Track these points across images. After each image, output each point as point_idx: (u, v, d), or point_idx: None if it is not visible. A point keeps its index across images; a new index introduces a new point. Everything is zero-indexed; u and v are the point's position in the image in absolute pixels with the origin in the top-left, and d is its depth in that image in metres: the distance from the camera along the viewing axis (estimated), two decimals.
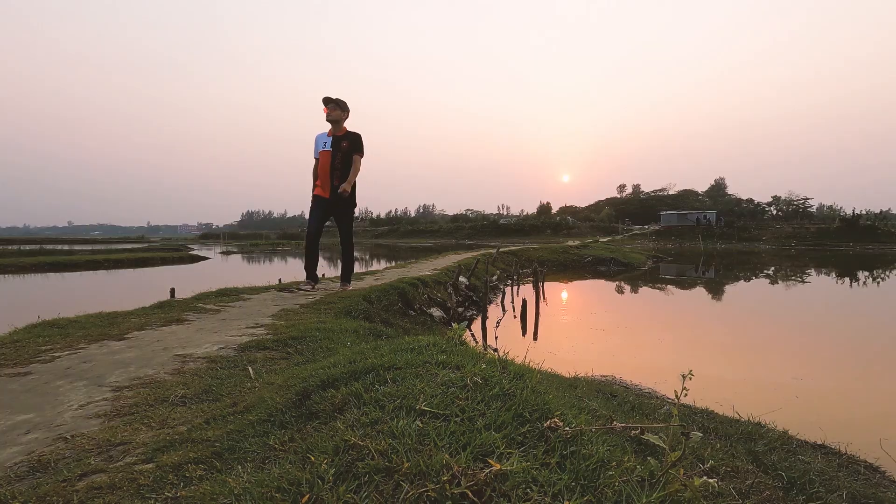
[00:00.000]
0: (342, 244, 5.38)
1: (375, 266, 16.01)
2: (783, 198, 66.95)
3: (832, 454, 2.49)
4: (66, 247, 28.57)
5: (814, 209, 66.77)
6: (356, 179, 5.19)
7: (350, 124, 5.29)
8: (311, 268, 5.34)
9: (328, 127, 5.21)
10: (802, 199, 65.42)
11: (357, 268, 12.83)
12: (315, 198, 5.13)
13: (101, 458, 1.28)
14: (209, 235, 79.36)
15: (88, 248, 29.29)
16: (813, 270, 17.30)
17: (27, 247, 25.20)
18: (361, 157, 5.14)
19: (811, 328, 7.40)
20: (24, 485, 1.14)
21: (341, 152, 5.07)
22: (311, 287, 5.21)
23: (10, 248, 23.77)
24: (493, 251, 16.51)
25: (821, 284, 13.40)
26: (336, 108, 5.11)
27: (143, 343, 2.64)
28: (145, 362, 2.25)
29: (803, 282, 13.98)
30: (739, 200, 71.97)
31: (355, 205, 5.30)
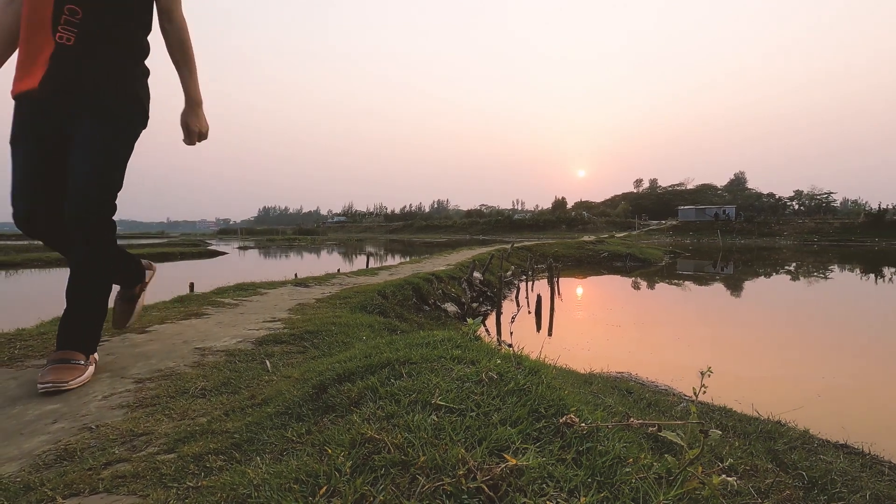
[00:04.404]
0: (74, 225, 1.80)
1: (390, 261, 16.07)
2: (805, 192, 65.38)
3: (855, 454, 2.43)
4: None
5: (837, 204, 65.10)
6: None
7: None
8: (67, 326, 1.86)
9: None
10: (826, 193, 63.82)
11: (372, 263, 12.86)
12: (19, 103, 1.83)
13: (125, 447, 1.31)
14: (227, 231, 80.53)
15: None
16: (836, 267, 16.89)
17: None
18: None
19: (834, 326, 7.24)
20: (52, 472, 1.17)
21: None
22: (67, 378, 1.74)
23: (36, 242, 24.54)
24: (508, 247, 16.46)
25: (844, 281, 13.08)
26: None
27: (163, 336, 2.69)
28: (166, 355, 2.30)
29: (825, 278, 13.65)
30: (760, 195, 70.49)
31: (142, 111, 2.01)
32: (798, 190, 66.48)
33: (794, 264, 17.94)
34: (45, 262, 16.05)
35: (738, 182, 79.55)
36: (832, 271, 15.41)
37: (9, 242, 24.89)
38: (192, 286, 5.92)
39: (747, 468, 1.74)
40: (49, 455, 1.27)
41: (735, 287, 11.85)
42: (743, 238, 37.76)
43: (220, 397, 1.71)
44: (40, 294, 10.50)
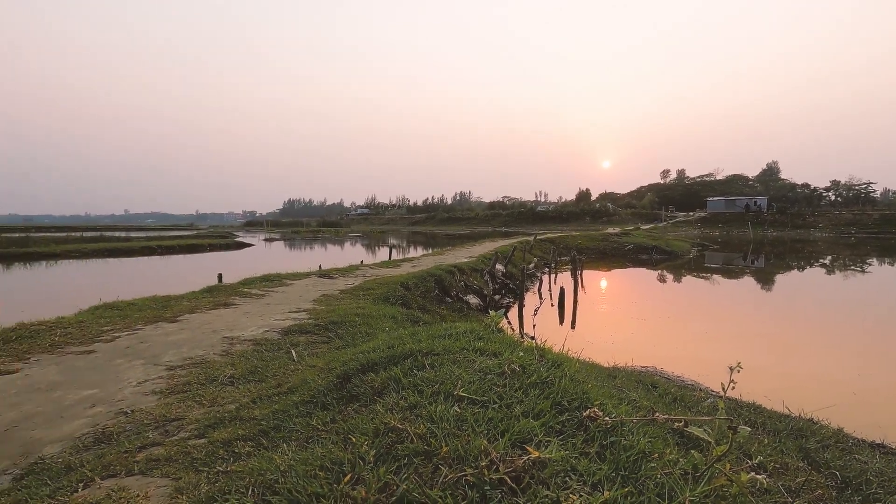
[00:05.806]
0: None
1: (412, 253, 16.15)
2: (843, 182, 62.62)
3: (892, 454, 2.35)
4: (122, 234, 30.28)
5: (877, 194, 62.22)
6: None
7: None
8: None
9: None
10: (865, 183, 60.97)
11: (394, 254, 12.92)
12: None
13: (158, 432, 1.36)
14: (253, 223, 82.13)
15: (143, 234, 31.01)
16: (874, 260, 16.19)
17: (89, 233, 27.06)
18: None
19: (871, 322, 6.96)
20: (91, 454, 1.22)
21: None
22: None
23: (73, 234, 25.60)
24: (531, 239, 16.33)
25: (883, 275, 12.54)
26: None
27: (193, 325, 2.77)
28: (196, 343, 2.37)
29: (863, 272, 13.11)
30: (794, 185, 67.88)
31: None
32: (835, 180, 63.69)
33: (829, 257, 17.29)
34: (81, 254, 16.68)
35: (770, 172, 76.65)
36: (870, 265, 14.78)
37: (48, 234, 25.99)
38: (220, 277, 6.06)
39: (777, 466, 1.70)
40: (88, 438, 1.33)
41: (766, 281, 11.50)
42: (775, 230, 36.49)
43: (247, 385, 1.75)
44: (78, 283, 10.94)
